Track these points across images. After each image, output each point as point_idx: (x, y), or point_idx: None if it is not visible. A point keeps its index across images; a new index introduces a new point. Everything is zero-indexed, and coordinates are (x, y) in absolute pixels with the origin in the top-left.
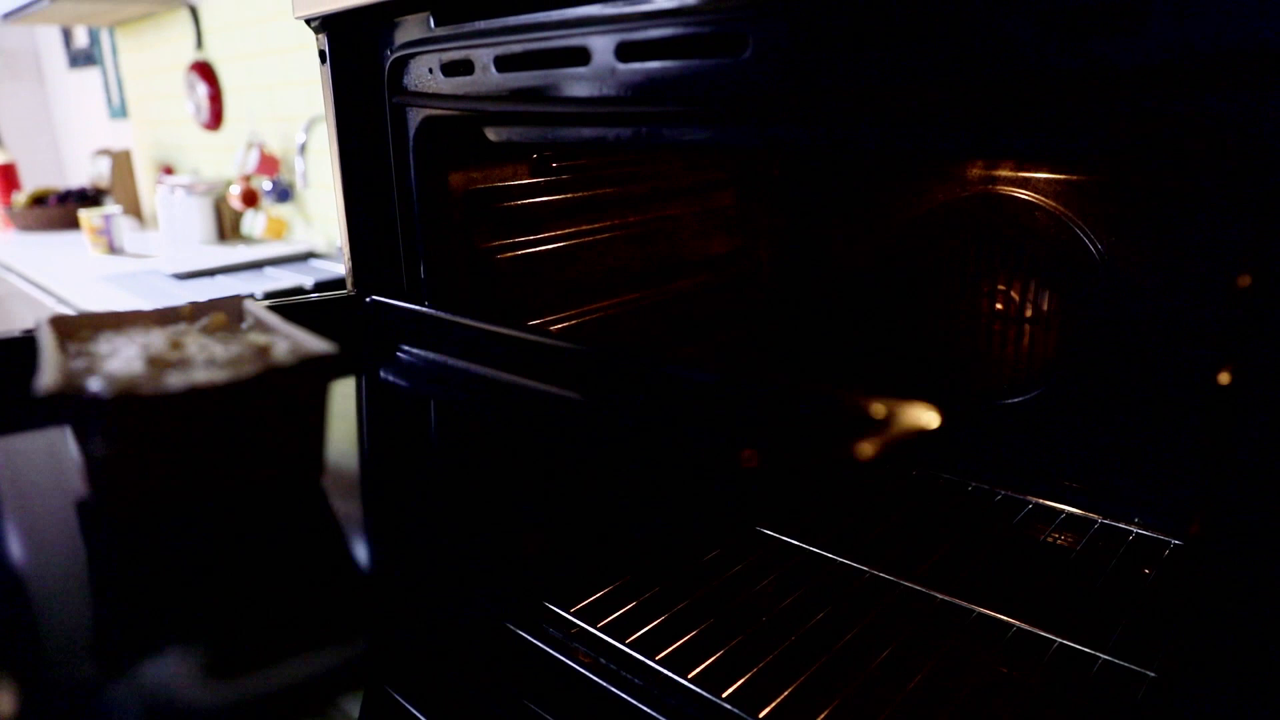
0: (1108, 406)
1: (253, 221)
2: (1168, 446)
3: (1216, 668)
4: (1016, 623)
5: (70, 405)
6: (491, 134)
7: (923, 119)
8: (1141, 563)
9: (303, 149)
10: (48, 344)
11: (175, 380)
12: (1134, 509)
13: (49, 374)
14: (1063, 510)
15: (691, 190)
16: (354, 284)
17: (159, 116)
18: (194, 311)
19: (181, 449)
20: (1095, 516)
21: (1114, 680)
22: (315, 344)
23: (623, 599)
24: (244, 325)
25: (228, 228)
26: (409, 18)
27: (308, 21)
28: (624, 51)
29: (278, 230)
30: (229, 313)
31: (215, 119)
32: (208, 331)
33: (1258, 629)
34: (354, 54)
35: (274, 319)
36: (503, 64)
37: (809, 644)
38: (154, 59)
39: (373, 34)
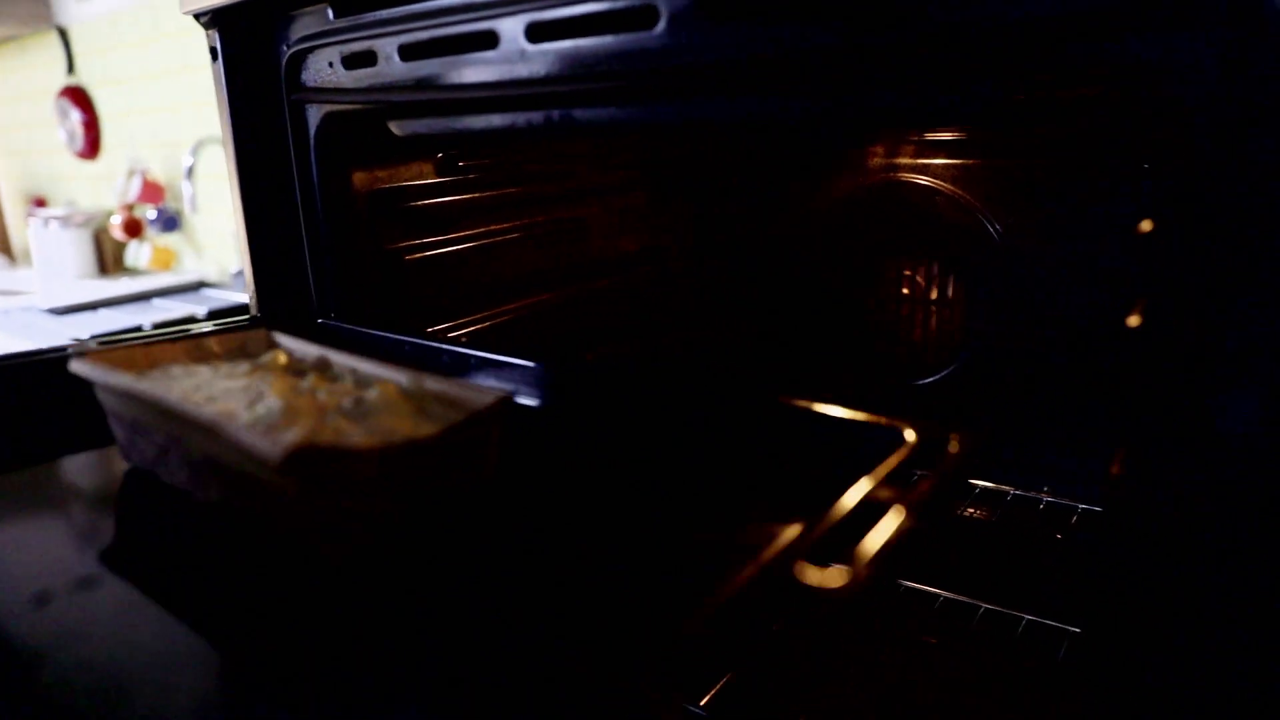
0: (1013, 382)
1: (137, 252)
2: (1073, 416)
3: (1134, 618)
4: (943, 593)
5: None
6: (397, 127)
7: (844, 85)
8: (1054, 528)
9: (190, 173)
10: (128, 381)
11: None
12: (1043, 478)
13: (296, 430)
14: (977, 485)
15: (601, 190)
16: (256, 290)
17: (27, 146)
18: (223, 345)
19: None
20: (1007, 488)
21: (1039, 639)
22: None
23: None
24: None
25: (110, 260)
26: (306, 10)
27: (197, 17)
28: (534, 32)
29: (165, 260)
30: (257, 344)
31: (91, 147)
32: (274, 371)
33: (1173, 581)
34: (248, 50)
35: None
36: (407, 52)
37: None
38: (18, 85)
39: (268, 28)
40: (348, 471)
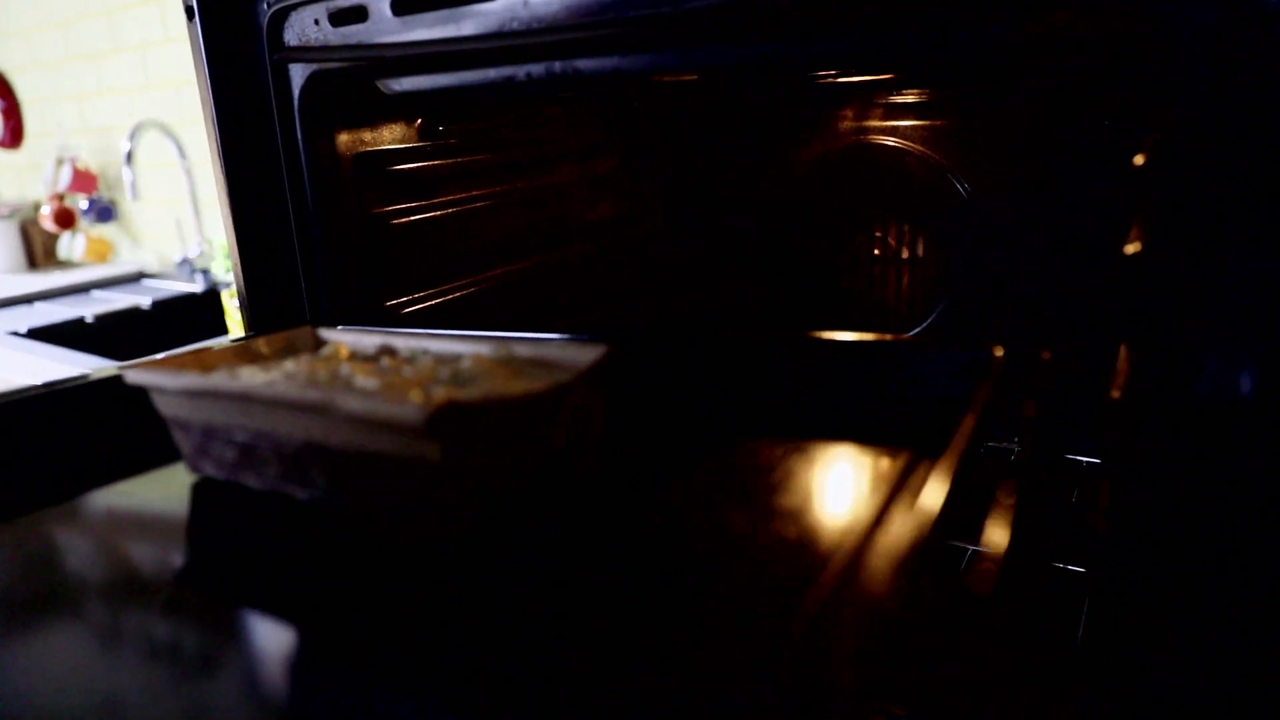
0: (985, 336)
1: (70, 244)
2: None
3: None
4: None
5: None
6: (387, 85)
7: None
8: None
9: (130, 159)
10: (207, 379)
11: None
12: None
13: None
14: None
15: (576, 156)
16: (240, 259)
17: None
18: (271, 345)
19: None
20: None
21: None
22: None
23: None
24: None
25: (39, 253)
26: None
27: None
28: None
29: (101, 252)
30: (304, 341)
31: (13, 135)
32: (342, 360)
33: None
34: (226, 8)
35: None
36: (400, 6)
37: None
38: None
39: None
40: (492, 427)
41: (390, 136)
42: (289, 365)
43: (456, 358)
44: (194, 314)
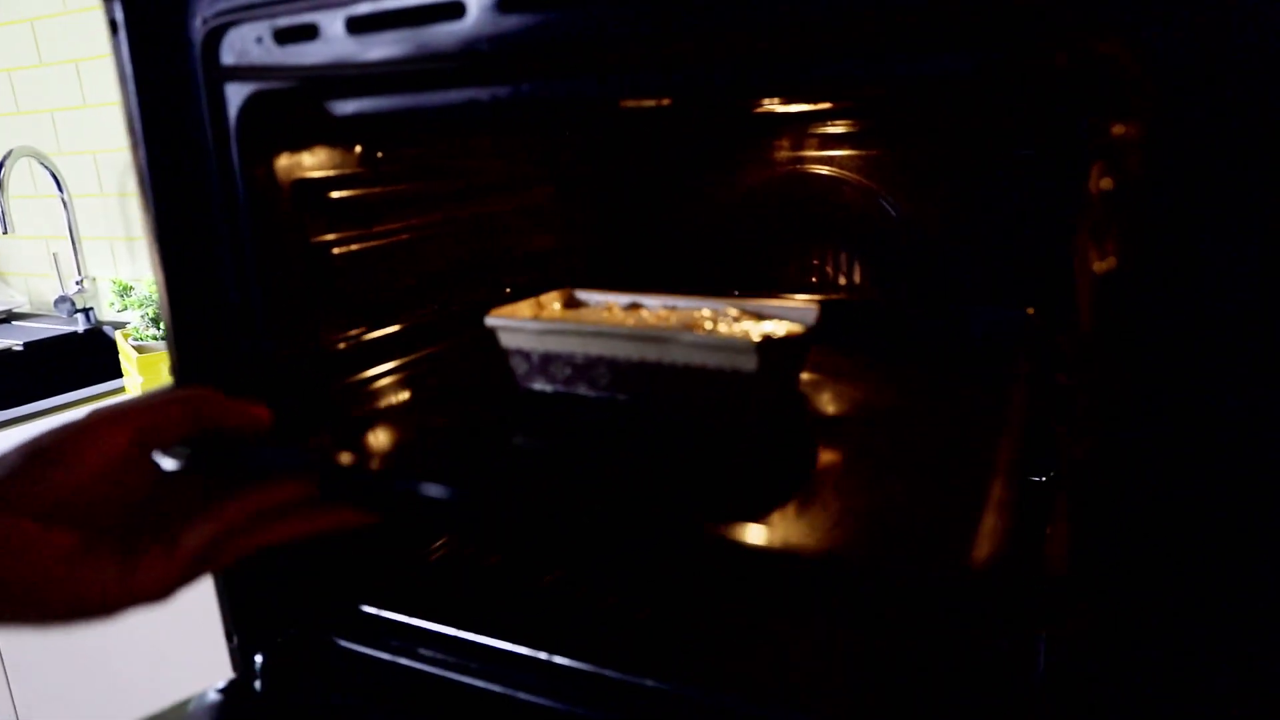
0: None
1: None
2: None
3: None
4: None
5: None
6: (337, 106)
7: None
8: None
9: (1, 189)
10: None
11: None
12: None
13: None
14: None
15: (512, 185)
16: (168, 291)
17: None
18: (547, 301)
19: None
20: None
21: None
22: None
23: None
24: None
25: None
26: None
27: None
28: (510, 0)
29: None
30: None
31: None
32: (628, 315)
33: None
34: (155, 23)
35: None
36: (357, 25)
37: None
38: None
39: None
40: (792, 351)
41: (330, 162)
42: (600, 314)
43: (717, 308)
44: (75, 356)
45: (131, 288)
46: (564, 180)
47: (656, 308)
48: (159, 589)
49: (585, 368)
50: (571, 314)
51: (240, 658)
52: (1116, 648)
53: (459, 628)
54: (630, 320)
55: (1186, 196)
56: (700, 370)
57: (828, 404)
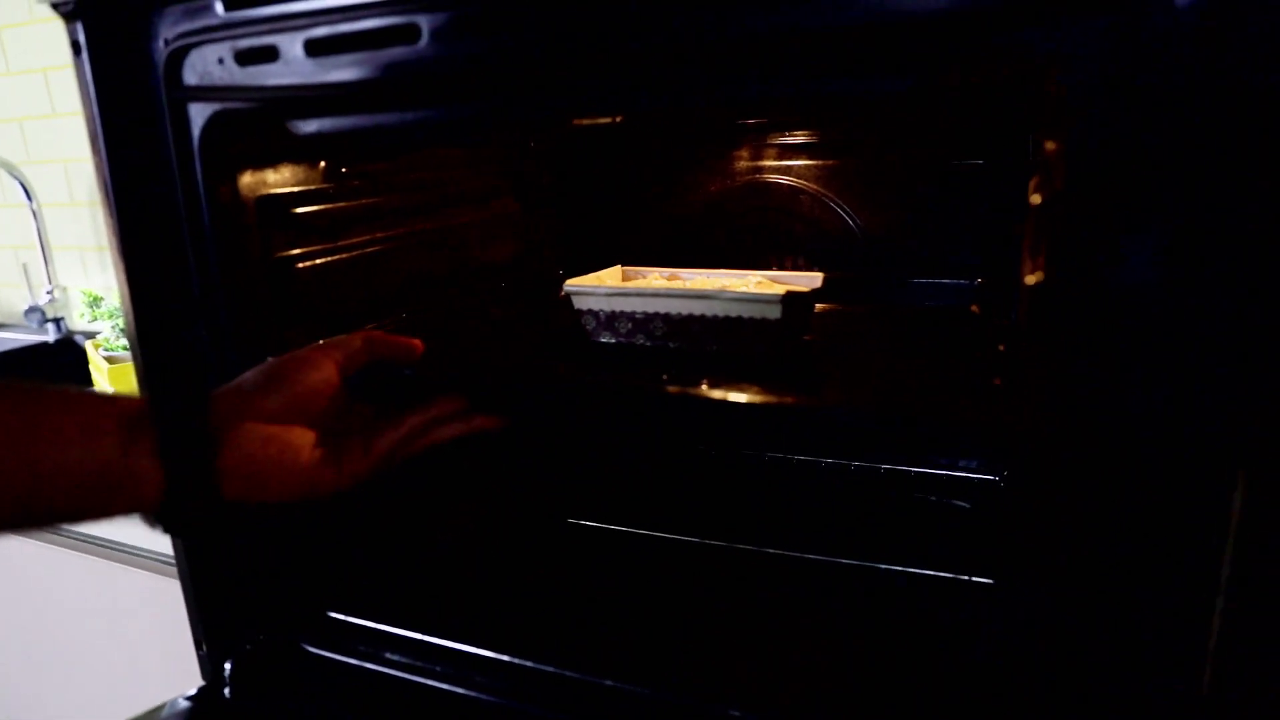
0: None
1: None
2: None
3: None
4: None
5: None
6: (299, 126)
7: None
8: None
9: None
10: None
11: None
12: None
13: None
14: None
15: (476, 196)
16: (134, 307)
17: None
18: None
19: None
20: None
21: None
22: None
23: None
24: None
25: None
26: (188, 2)
27: (55, 7)
28: (459, 26)
29: None
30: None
31: None
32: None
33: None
34: (118, 44)
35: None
36: (315, 48)
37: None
38: None
39: (141, 20)
40: (806, 305)
41: (294, 178)
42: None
43: (743, 276)
44: (46, 366)
45: (101, 298)
46: (527, 191)
47: (694, 276)
48: (357, 478)
49: (644, 322)
50: (629, 284)
51: (210, 665)
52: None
53: (423, 632)
54: (677, 286)
55: (1100, 209)
56: (736, 320)
57: (829, 342)
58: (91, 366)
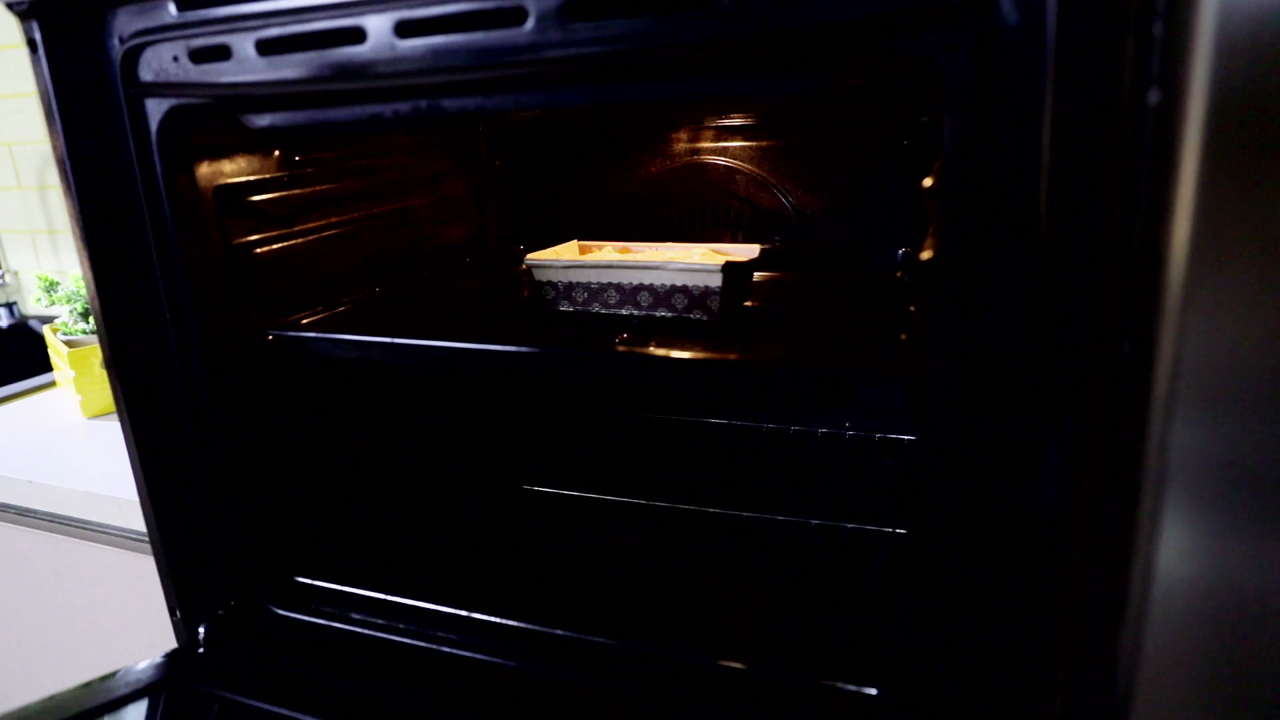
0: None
1: None
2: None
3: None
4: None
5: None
6: (252, 120)
7: (681, 72)
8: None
9: None
10: (582, 260)
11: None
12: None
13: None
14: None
15: (427, 180)
16: (99, 295)
17: None
18: (568, 250)
19: None
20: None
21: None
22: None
23: None
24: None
25: None
26: (142, 2)
27: (10, 6)
28: (404, 28)
29: None
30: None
31: None
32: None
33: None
34: (75, 43)
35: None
36: (267, 47)
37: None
38: None
39: (97, 19)
40: (745, 273)
41: (250, 168)
42: (608, 254)
43: (689, 249)
44: (1, 351)
45: (57, 283)
46: (476, 174)
47: (644, 249)
48: None
49: (598, 292)
50: (584, 256)
51: (184, 629)
52: None
53: (385, 592)
54: (627, 258)
55: (967, 193)
56: (682, 288)
57: (767, 306)
58: (50, 351)
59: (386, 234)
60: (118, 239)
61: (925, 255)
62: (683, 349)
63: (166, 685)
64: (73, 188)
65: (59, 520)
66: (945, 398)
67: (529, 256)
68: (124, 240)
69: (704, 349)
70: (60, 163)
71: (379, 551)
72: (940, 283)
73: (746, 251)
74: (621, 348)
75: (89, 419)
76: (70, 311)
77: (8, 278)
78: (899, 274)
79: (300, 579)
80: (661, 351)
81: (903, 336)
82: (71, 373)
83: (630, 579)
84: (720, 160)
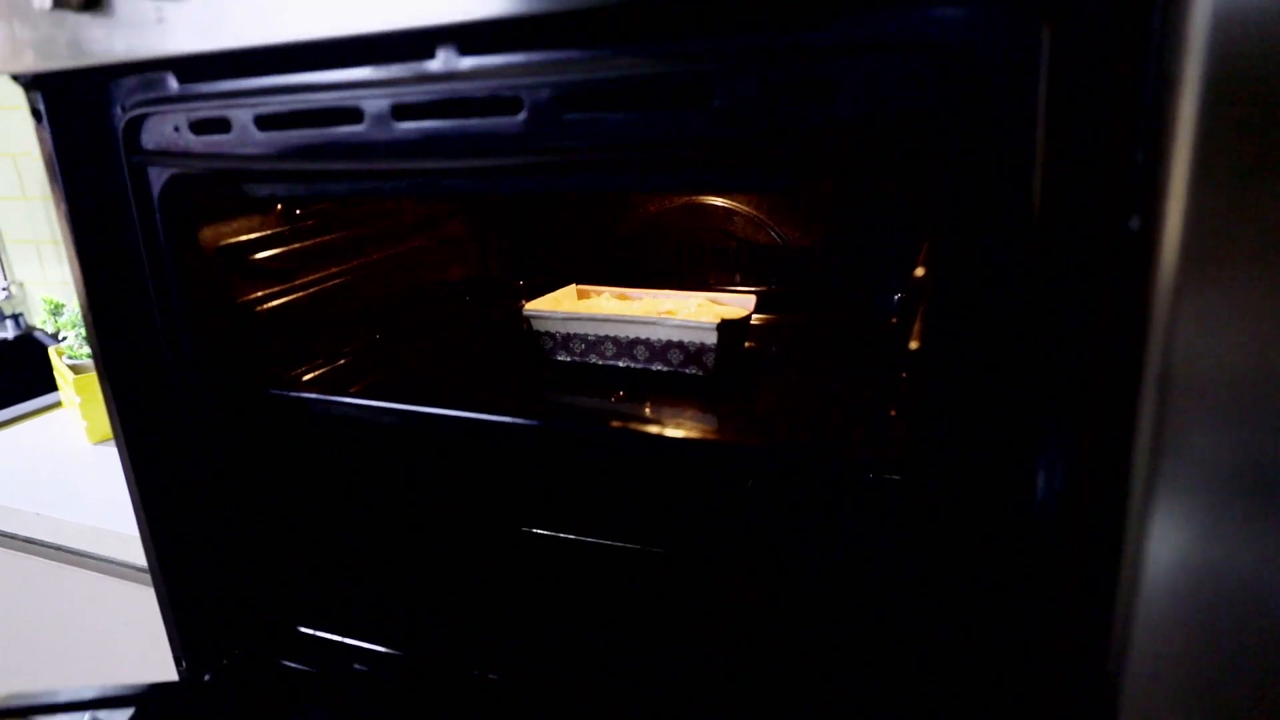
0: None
1: None
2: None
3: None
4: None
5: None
6: (253, 189)
7: (672, 167)
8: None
9: None
10: (584, 312)
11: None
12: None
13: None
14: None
15: (427, 222)
16: (103, 355)
17: None
18: (560, 298)
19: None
20: None
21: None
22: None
23: None
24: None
25: None
26: (144, 75)
27: (14, 78)
28: (400, 112)
29: None
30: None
31: None
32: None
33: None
34: (78, 112)
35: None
36: (265, 123)
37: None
38: None
39: (100, 91)
40: (739, 330)
41: (252, 226)
42: (606, 301)
43: (686, 298)
44: (6, 364)
45: (63, 305)
46: (477, 214)
47: (642, 297)
48: None
49: (595, 343)
50: (583, 304)
51: (190, 680)
52: None
53: (389, 645)
54: (624, 306)
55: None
56: (678, 344)
57: (762, 359)
58: (56, 374)
59: (387, 278)
60: (122, 301)
61: (913, 345)
62: (673, 421)
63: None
64: (76, 252)
65: (65, 550)
66: (933, 490)
67: (527, 306)
68: (129, 302)
69: (694, 417)
70: (64, 226)
71: (382, 599)
72: (928, 384)
73: (742, 303)
74: (615, 423)
75: (95, 444)
76: (76, 335)
77: (13, 289)
78: (893, 319)
79: (304, 629)
80: (654, 429)
81: (893, 412)
82: (78, 398)
83: (626, 622)
84: (718, 201)
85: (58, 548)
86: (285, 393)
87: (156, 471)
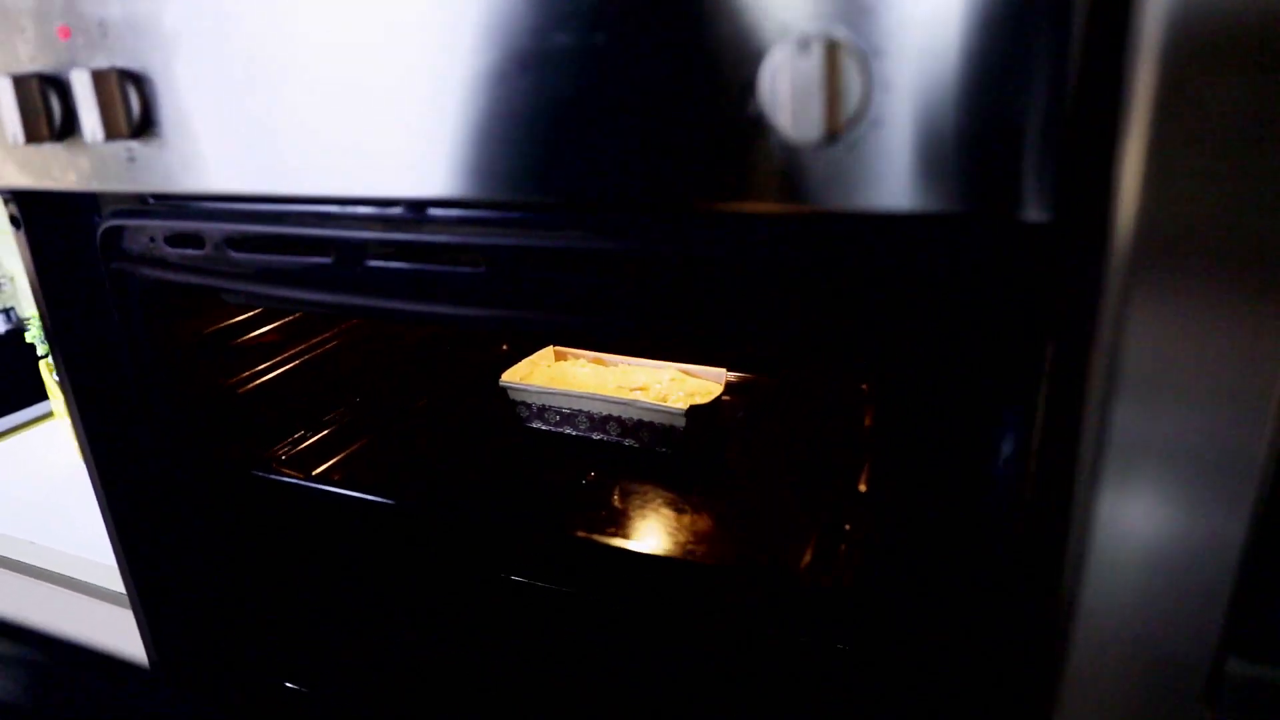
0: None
1: None
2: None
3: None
4: None
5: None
6: (229, 297)
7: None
8: None
9: None
10: (558, 389)
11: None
12: None
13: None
14: None
15: None
16: (89, 443)
17: None
18: (538, 360)
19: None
20: None
21: None
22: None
23: None
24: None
25: None
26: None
27: None
28: (369, 251)
29: None
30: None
31: None
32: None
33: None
34: (55, 220)
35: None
36: (236, 244)
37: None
38: None
39: (76, 203)
40: (709, 412)
41: (232, 312)
42: (556, 368)
43: (660, 368)
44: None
45: None
46: None
47: (618, 363)
48: None
49: (570, 416)
50: (558, 370)
51: None
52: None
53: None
54: (599, 374)
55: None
56: (649, 424)
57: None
58: (48, 389)
59: (366, 343)
60: (105, 393)
61: (862, 489)
62: (638, 539)
63: None
64: (60, 356)
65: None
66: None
67: (504, 378)
68: (112, 393)
69: (659, 538)
70: (45, 328)
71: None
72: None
73: (715, 376)
74: (581, 531)
75: None
76: None
77: (4, 282)
78: (863, 385)
79: (289, 685)
80: (616, 542)
81: (843, 548)
82: (68, 419)
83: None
84: None
85: (54, 576)
86: (265, 475)
87: (146, 549)
